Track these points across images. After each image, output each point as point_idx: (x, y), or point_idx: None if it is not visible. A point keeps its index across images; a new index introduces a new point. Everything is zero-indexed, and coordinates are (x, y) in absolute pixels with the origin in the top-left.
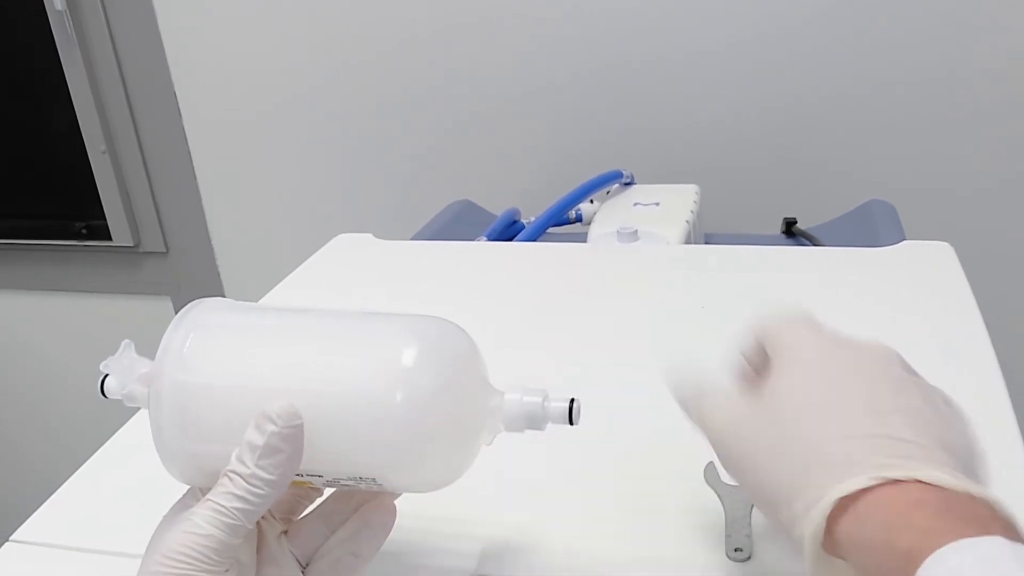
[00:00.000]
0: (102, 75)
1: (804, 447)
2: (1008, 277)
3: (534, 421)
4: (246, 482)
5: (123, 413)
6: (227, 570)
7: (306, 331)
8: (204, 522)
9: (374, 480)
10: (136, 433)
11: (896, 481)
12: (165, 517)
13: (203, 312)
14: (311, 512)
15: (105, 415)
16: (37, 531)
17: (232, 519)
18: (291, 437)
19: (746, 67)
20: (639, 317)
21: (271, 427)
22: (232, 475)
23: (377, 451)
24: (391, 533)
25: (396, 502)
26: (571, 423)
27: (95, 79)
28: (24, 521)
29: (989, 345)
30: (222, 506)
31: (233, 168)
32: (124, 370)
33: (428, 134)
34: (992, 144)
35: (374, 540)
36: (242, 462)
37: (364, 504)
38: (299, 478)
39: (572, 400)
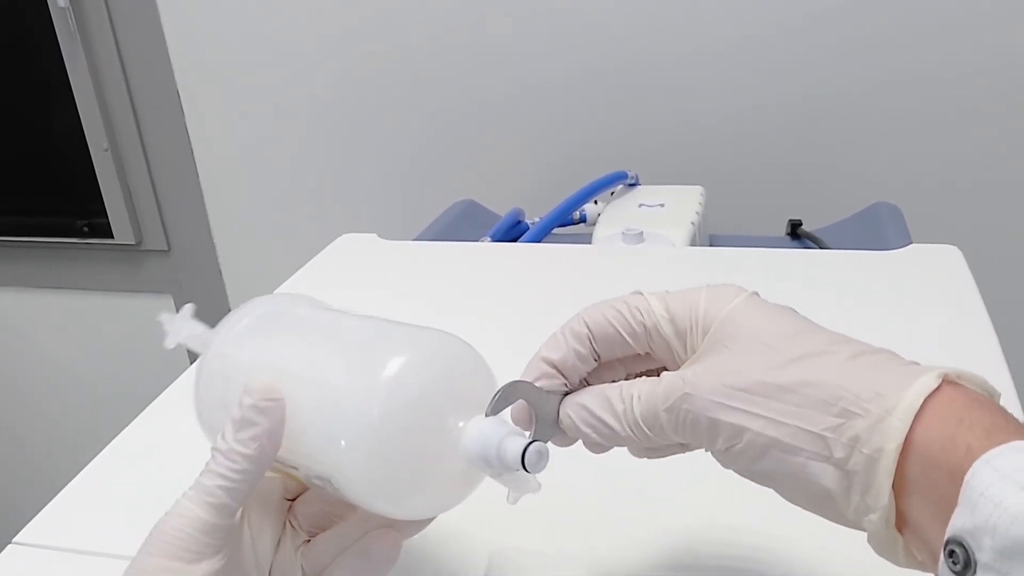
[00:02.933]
0: (105, 72)
1: (822, 377)
2: (1017, 280)
3: (486, 460)
4: (225, 457)
5: (127, 411)
6: (218, 552)
7: (323, 328)
8: (188, 502)
9: (329, 481)
10: (140, 434)
11: (951, 383)
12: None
13: (262, 304)
14: (330, 531)
15: (108, 413)
16: (40, 534)
17: (213, 498)
18: (268, 411)
19: (752, 68)
20: None
21: (248, 399)
22: (214, 452)
23: (336, 447)
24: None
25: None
26: (525, 469)
27: (98, 76)
28: (27, 520)
29: (999, 351)
30: (204, 485)
31: (236, 166)
32: (178, 326)
33: (433, 134)
34: (999, 146)
35: (373, 571)
36: (223, 438)
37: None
38: (279, 466)
39: (528, 444)
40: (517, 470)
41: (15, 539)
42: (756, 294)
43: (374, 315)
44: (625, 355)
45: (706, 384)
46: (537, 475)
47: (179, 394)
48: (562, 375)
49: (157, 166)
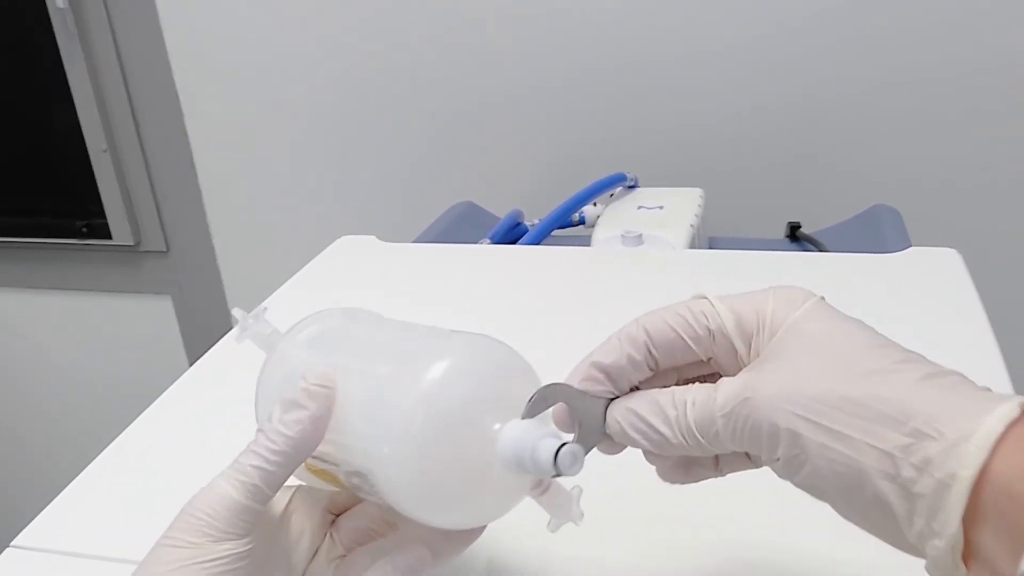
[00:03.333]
0: (103, 73)
1: (894, 394)
2: (1016, 283)
3: (520, 463)
4: (267, 437)
5: (126, 412)
6: (243, 536)
7: (381, 335)
8: (222, 479)
9: (367, 477)
10: (139, 437)
11: None
12: None
13: (327, 316)
14: (366, 546)
15: (107, 415)
16: (39, 537)
17: (247, 477)
18: (317, 395)
19: (751, 70)
20: None
21: (300, 383)
22: (259, 432)
23: (379, 442)
24: None
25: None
26: (557, 473)
27: (96, 77)
28: (26, 522)
29: (998, 354)
30: (240, 463)
31: (235, 168)
32: (249, 323)
33: (432, 135)
34: (999, 148)
35: None
36: (269, 418)
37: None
38: (320, 463)
39: (561, 446)
40: (552, 473)
41: (13, 542)
42: (823, 299)
43: (435, 326)
44: (685, 362)
45: (770, 389)
46: (579, 505)
47: (178, 396)
48: (611, 381)
49: (156, 167)
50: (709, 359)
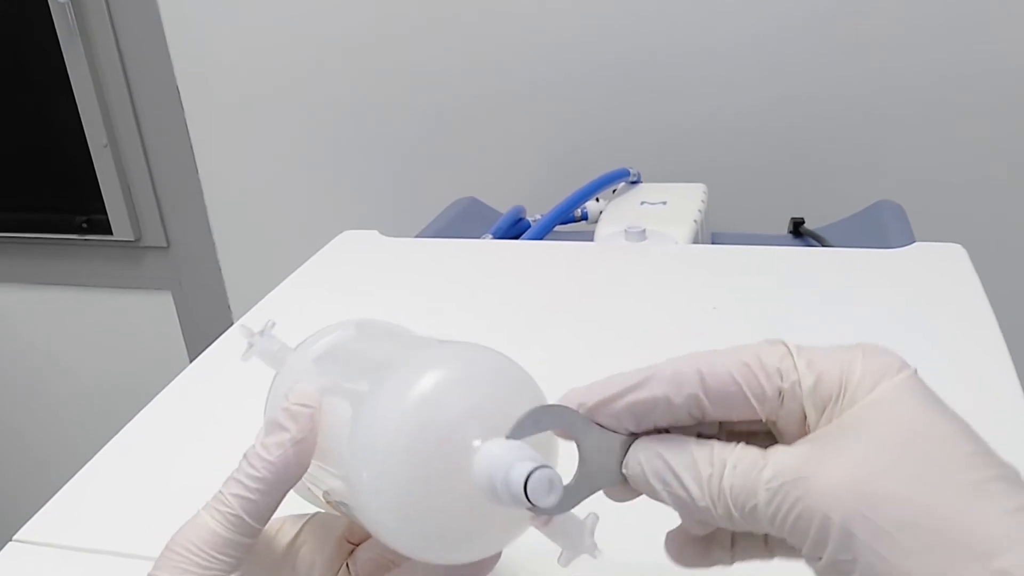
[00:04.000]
0: (104, 68)
1: (982, 523)
2: (1022, 278)
3: (492, 492)
4: (248, 462)
5: (127, 408)
6: (232, 573)
7: (379, 348)
8: (204, 512)
9: (351, 509)
10: (140, 432)
11: None
12: None
13: (340, 327)
14: None
15: (108, 410)
16: (40, 531)
17: (228, 508)
18: (298, 416)
19: (754, 65)
20: (646, 317)
21: (282, 403)
22: (242, 457)
23: (351, 468)
24: None
25: None
26: (528, 500)
27: (97, 72)
28: (28, 517)
29: (1005, 350)
30: (221, 494)
31: (235, 163)
32: (259, 341)
33: (434, 130)
34: (1003, 144)
35: None
36: (254, 442)
37: None
38: (317, 491)
39: (532, 471)
40: (525, 504)
41: (15, 537)
42: (916, 374)
43: (433, 336)
44: (739, 419)
45: (834, 475)
46: (592, 536)
47: (179, 391)
48: (634, 418)
49: (156, 163)
50: (769, 420)
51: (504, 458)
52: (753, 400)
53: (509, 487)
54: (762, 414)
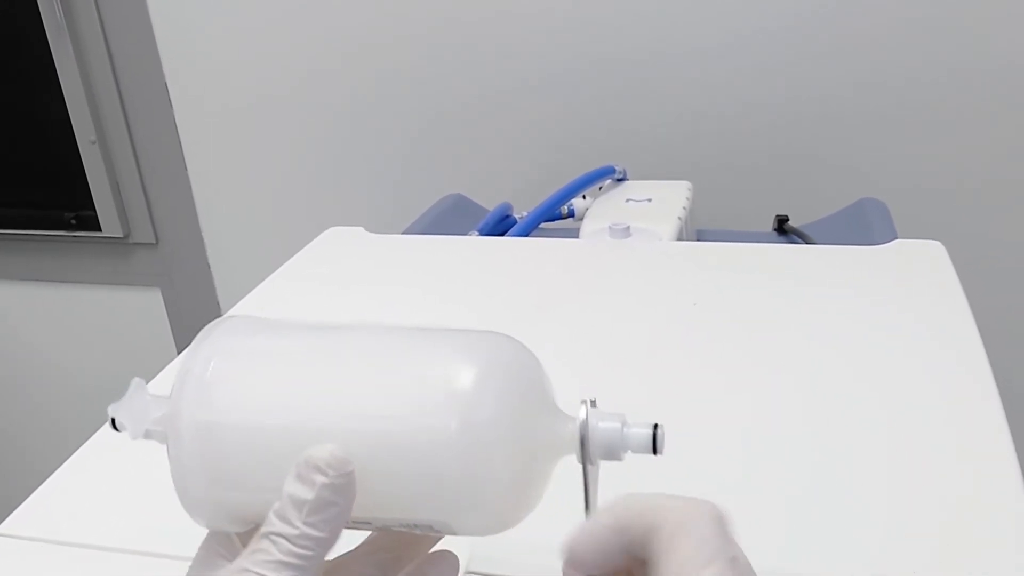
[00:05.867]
0: (92, 64)
1: None
2: (999, 276)
3: (611, 451)
4: (293, 544)
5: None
6: None
7: (345, 354)
8: None
9: (430, 527)
10: None
11: None
12: (191, 568)
13: (224, 335)
14: (364, 555)
15: (95, 406)
16: (23, 525)
17: None
18: (343, 488)
19: (740, 64)
20: (631, 313)
21: (321, 478)
22: (276, 538)
23: (431, 491)
24: None
25: None
26: (655, 452)
27: (85, 68)
28: (11, 511)
29: (980, 344)
30: None
31: (224, 159)
32: (136, 415)
33: (421, 127)
34: (984, 143)
35: None
36: (286, 521)
37: (422, 555)
38: (347, 526)
39: (656, 426)
40: (646, 452)
41: None
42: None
43: (371, 326)
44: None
45: None
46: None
47: (165, 386)
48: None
49: (145, 159)
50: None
51: (615, 420)
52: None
53: (629, 443)
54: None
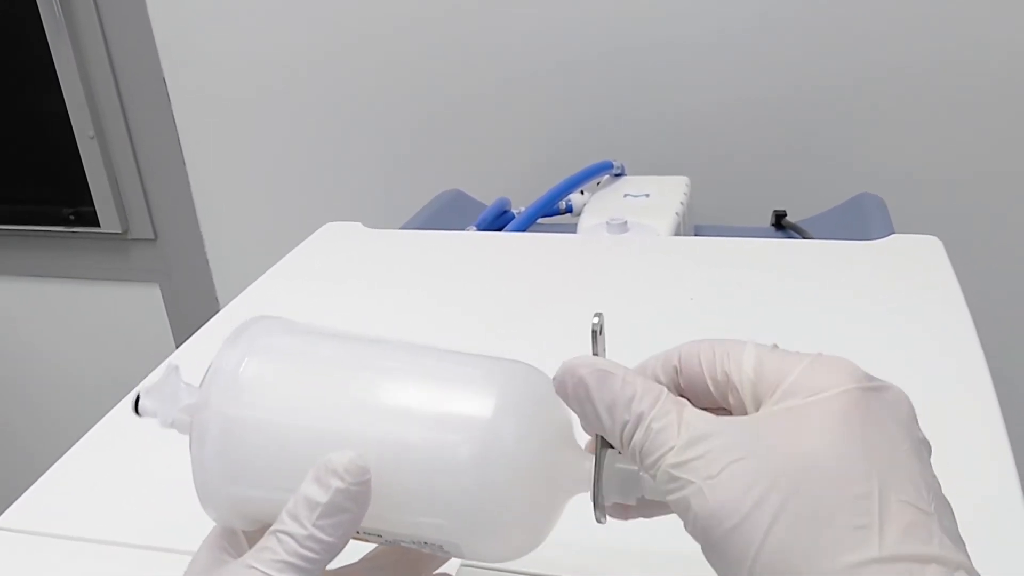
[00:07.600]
0: (91, 60)
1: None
2: (995, 271)
3: (626, 492)
4: (300, 545)
5: (112, 399)
6: None
7: (375, 367)
8: None
9: (440, 547)
10: (122, 420)
11: None
12: (194, 562)
13: (259, 334)
14: (364, 569)
15: (93, 402)
16: (20, 518)
17: None
18: (358, 495)
19: (738, 59)
20: (628, 308)
21: (337, 483)
22: (282, 536)
23: (445, 513)
24: None
25: None
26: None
27: (84, 64)
28: (7, 505)
29: (976, 338)
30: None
31: (222, 155)
32: (166, 399)
33: (419, 123)
34: (981, 138)
35: None
36: (297, 520)
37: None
38: (356, 535)
39: None
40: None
41: None
42: (863, 392)
43: (403, 343)
44: (709, 404)
45: (719, 497)
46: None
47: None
48: None
49: (143, 154)
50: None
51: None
52: (710, 383)
53: (645, 485)
54: (719, 398)
